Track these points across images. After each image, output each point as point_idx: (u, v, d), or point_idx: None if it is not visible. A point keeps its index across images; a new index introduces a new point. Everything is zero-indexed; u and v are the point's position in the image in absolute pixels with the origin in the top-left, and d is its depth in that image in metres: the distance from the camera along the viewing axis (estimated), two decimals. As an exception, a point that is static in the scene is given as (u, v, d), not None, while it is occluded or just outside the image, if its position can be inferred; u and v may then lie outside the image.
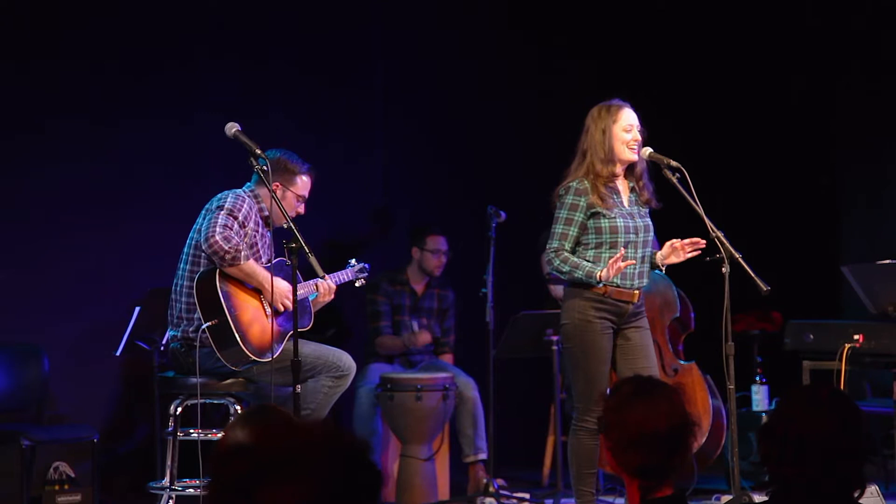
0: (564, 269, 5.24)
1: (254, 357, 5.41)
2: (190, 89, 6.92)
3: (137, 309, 6.20)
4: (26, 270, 6.47)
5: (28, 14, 6.53)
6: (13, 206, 6.48)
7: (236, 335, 5.37)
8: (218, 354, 5.39)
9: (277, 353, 5.40)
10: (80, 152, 6.63)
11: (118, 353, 6.26)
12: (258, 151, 5.36)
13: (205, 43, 6.98)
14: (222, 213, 5.46)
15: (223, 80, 7.03)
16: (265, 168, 5.34)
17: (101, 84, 6.68)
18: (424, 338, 7.07)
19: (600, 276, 5.18)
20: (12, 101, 6.47)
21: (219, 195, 5.58)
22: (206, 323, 5.36)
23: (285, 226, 5.28)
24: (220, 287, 5.40)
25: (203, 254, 5.49)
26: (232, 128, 5.40)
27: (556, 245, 5.28)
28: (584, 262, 5.22)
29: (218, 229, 5.39)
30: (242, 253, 5.40)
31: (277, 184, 5.58)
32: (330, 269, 5.78)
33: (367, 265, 6.03)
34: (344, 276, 5.91)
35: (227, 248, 5.36)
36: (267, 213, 5.64)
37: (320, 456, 1.89)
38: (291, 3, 7.34)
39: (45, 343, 6.39)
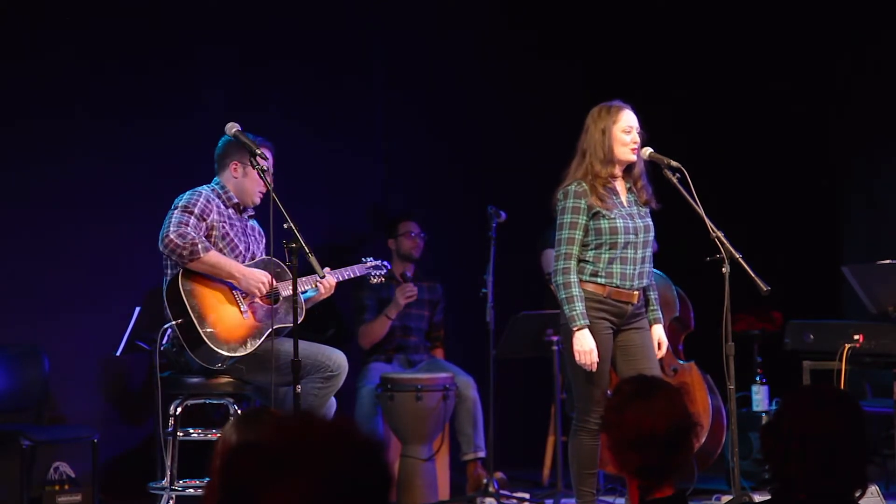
0: (560, 295, 5.24)
1: (226, 353, 5.37)
2: (190, 89, 6.92)
3: (137, 309, 6.20)
4: (26, 270, 6.47)
5: (28, 13, 6.52)
6: (13, 205, 6.48)
7: (201, 333, 5.34)
8: (191, 355, 5.38)
9: (253, 349, 5.37)
10: (80, 152, 6.63)
11: (118, 353, 6.26)
12: (258, 151, 5.35)
13: (205, 42, 6.98)
14: (176, 211, 5.43)
15: (223, 80, 7.03)
16: (265, 168, 5.34)
17: (101, 83, 6.68)
18: (411, 289, 6.98)
19: (579, 328, 5.17)
20: (12, 101, 6.47)
21: (178, 196, 5.57)
22: (173, 321, 5.36)
23: (285, 226, 5.27)
24: (183, 286, 5.37)
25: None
26: (232, 128, 5.40)
27: (564, 251, 5.25)
28: (578, 304, 5.18)
29: (172, 227, 5.36)
30: (200, 245, 5.35)
31: (236, 163, 5.54)
32: (333, 267, 5.76)
33: (386, 263, 6.01)
34: (352, 271, 5.86)
35: (182, 243, 5.33)
36: (236, 200, 5.61)
37: (329, 455, 1.88)
38: (291, 2, 7.34)
39: (45, 343, 6.39)
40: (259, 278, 5.42)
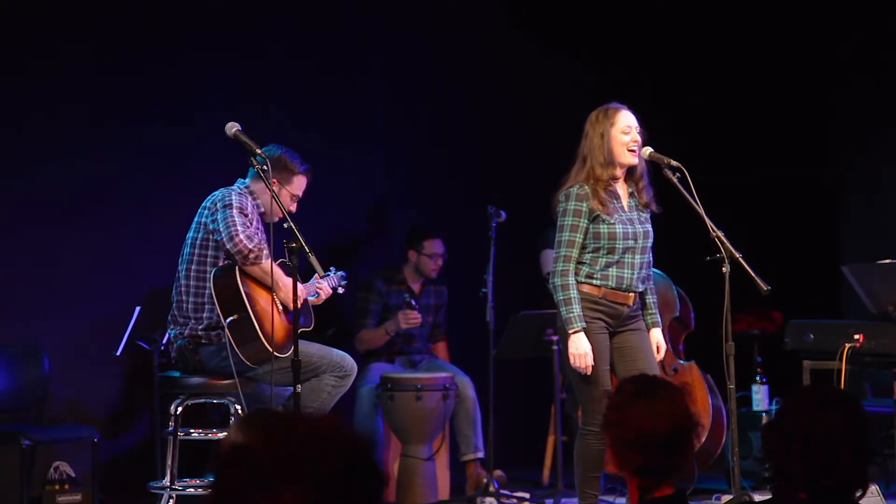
0: (558, 297, 5.23)
1: (273, 353, 5.39)
2: (190, 89, 6.91)
3: (137, 309, 6.20)
4: (26, 270, 6.47)
5: (28, 13, 6.52)
6: (13, 206, 6.48)
7: (258, 330, 5.37)
8: (237, 350, 5.38)
9: (291, 351, 5.40)
10: (80, 152, 6.63)
11: (118, 353, 6.25)
12: (258, 151, 5.36)
13: (205, 42, 6.98)
14: (234, 211, 5.49)
15: (223, 80, 7.03)
16: (265, 168, 5.34)
17: (101, 83, 6.68)
18: (415, 316, 6.98)
19: (574, 331, 5.17)
20: (12, 101, 6.47)
21: (219, 194, 5.58)
22: (228, 318, 5.36)
23: (285, 226, 5.28)
24: (242, 285, 5.42)
25: (208, 253, 5.51)
26: (232, 128, 5.40)
27: (563, 253, 5.24)
28: (575, 307, 5.18)
29: (240, 228, 5.43)
30: (265, 251, 5.43)
31: (275, 180, 5.56)
32: (329, 268, 5.78)
33: (344, 273, 6.04)
34: (328, 282, 5.92)
35: (251, 247, 5.41)
36: (263, 210, 5.66)
37: (319, 460, 1.87)
38: (291, 2, 7.34)
39: (45, 343, 6.38)
40: (300, 293, 5.46)
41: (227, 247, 5.44)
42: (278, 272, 5.52)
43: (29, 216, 6.50)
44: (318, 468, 1.86)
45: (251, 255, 5.41)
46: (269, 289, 5.50)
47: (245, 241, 5.40)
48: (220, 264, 5.54)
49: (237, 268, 5.44)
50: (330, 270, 6.00)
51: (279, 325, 5.49)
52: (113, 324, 6.33)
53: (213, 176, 6.04)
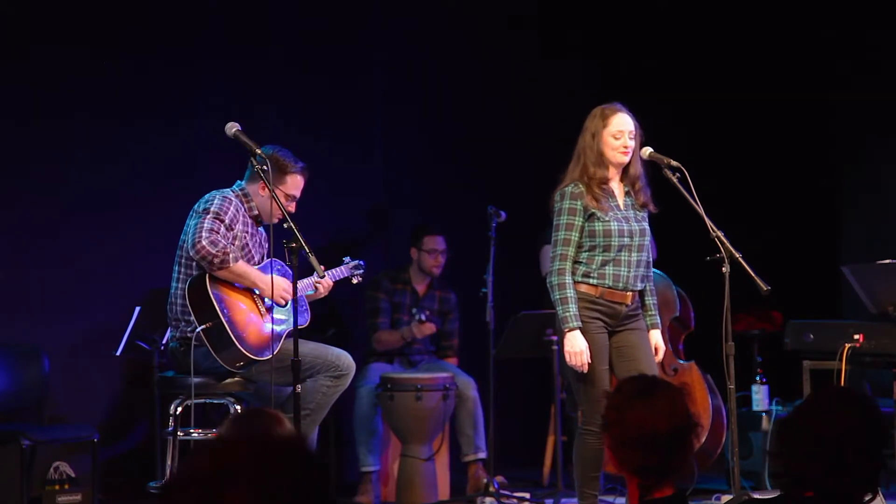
0: (554, 296, 5.23)
1: (251, 356, 5.38)
2: (190, 89, 6.92)
3: (137, 309, 6.20)
4: (26, 270, 6.47)
5: (28, 14, 6.53)
6: (13, 206, 6.49)
7: (232, 336, 5.34)
8: (216, 356, 5.37)
9: (276, 352, 5.39)
10: (80, 152, 6.64)
11: (118, 353, 6.26)
12: (258, 151, 5.33)
13: (204, 43, 6.99)
14: (208, 216, 5.41)
15: (223, 81, 7.03)
16: (265, 168, 5.32)
17: (101, 84, 6.68)
18: (429, 328, 7.01)
19: (570, 330, 5.17)
20: (12, 101, 6.47)
21: (205, 196, 5.52)
22: (200, 326, 5.34)
23: (285, 226, 5.27)
24: (212, 290, 5.36)
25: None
26: (232, 128, 5.38)
27: (559, 252, 5.24)
28: (571, 306, 5.18)
29: (204, 234, 5.34)
30: (231, 255, 5.36)
31: (264, 182, 5.52)
32: (327, 267, 5.77)
33: (362, 262, 5.99)
34: (339, 272, 5.89)
35: (214, 251, 5.32)
36: (256, 213, 5.60)
37: (260, 469, 1.90)
38: (291, 3, 7.34)
39: (45, 343, 6.39)
40: (283, 287, 5.44)
41: (191, 254, 5.39)
42: (255, 271, 5.46)
43: (29, 216, 6.50)
44: (260, 478, 1.88)
45: (216, 260, 5.33)
46: (249, 290, 5.48)
47: (208, 247, 5.32)
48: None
49: (207, 275, 5.40)
50: (344, 259, 5.96)
51: (260, 327, 5.46)
52: (113, 324, 6.34)
53: (213, 176, 6.03)
